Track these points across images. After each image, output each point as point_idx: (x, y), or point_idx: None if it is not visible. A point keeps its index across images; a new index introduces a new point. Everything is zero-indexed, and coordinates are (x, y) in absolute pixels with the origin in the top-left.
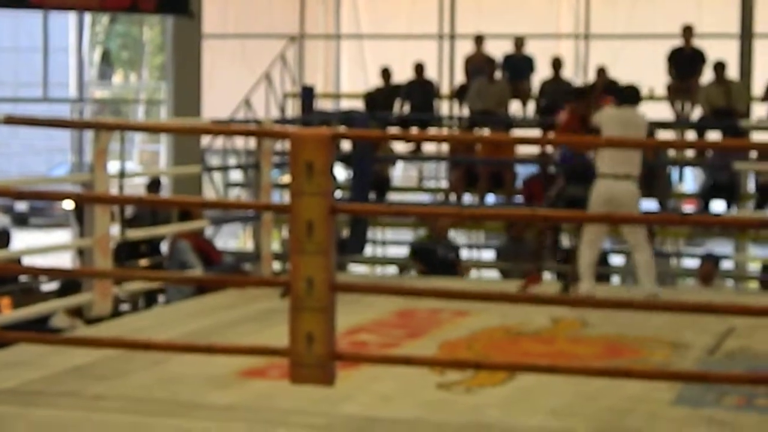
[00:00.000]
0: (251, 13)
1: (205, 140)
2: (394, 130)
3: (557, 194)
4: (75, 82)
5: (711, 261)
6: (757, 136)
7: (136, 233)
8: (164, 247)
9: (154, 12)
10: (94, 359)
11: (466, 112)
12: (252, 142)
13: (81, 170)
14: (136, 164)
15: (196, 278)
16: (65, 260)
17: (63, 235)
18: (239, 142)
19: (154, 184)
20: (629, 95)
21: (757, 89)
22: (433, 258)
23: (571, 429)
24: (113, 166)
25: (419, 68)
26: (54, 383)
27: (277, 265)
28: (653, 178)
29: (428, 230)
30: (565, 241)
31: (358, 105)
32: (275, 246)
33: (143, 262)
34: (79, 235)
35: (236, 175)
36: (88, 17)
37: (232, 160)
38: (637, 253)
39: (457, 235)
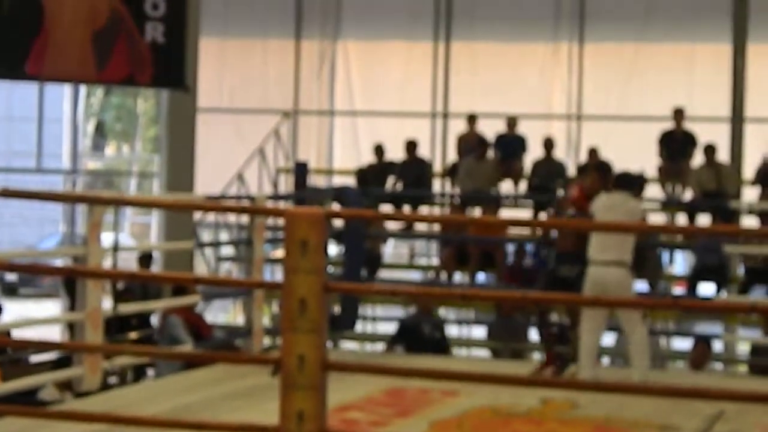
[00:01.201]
0: (246, 87)
1: (198, 214)
2: (386, 206)
3: (550, 273)
4: (68, 152)
5: (704, 343)
6: (748, 220)
7: (127, 307)
8: (154, 320)
9: (150, 85)
10: None
11: (458, 190)
12: (244, 218)
13: (73, 241)
14: (128, 236)
15: (186, 354)
16: (54, 332)
17: (52, 306)
18: (232, 217)
19: (145, 258)
20: (621, 181)
21: (747, 172)
22: (420, 336)
23: None
24: (105, 238)
25: (411, 146)
26: None
27: (267, 340)
28: (644, 260)
29: (417, 307)
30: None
31: (351, 181)
32: (266, 321)
33: (133, 335)
34: (69, 308)
35: (228, 250)
36: (83, 89)
37: (223, 235)
38: (633, 336)
39: (446, 312)
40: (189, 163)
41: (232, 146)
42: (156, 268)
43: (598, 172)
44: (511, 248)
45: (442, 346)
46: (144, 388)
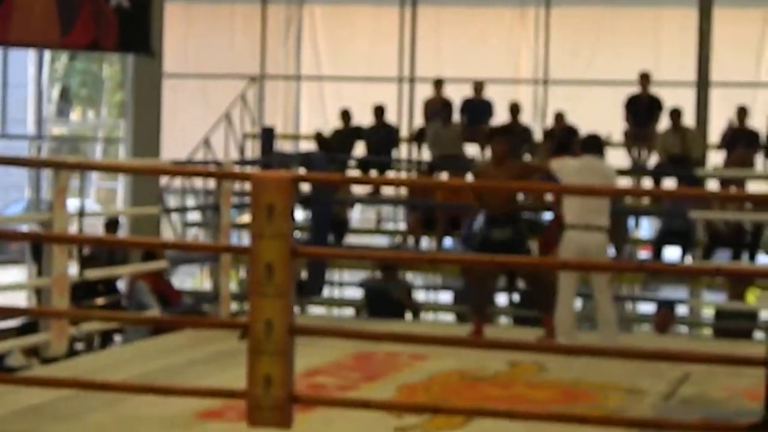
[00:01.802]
0: (212, 52)
1: (164, 180)
2: (353, 172)
3: (481, 236)
4: (33, 118)
5: (667, 308)
6: (713, 184)
7: (94, 273)
8: (121, 286)
9: (114, 50)
10: (50, 399)
11: (425, 155)
12: (211, 183)
13: (38, 207)
14: (94, 201)
15: (153, 319)
16: (20, 298)
17: (17, 272)
18: (198, 182)
19: (112, 224)
20: (589, 144)
21: (713, 137)
22: (384, 298)
23: None
24: (71, 204)
25: (379, 111)
26: (9, 422)
27: (234, 306)
28: (611, 224)
29: (381, 272)
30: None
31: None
32: (233, 286)
33: (100, 301)
34: (37, 274)
35: (195, 216)
36: (47, 54)
37: (190, 200)
38: (601, 300)
39: (414, 278)
40: (155, 128)
41: (198, 111)
42: (122, 233)
43: (504, 138)
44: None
45: (408, 309)
46: (111, 353)
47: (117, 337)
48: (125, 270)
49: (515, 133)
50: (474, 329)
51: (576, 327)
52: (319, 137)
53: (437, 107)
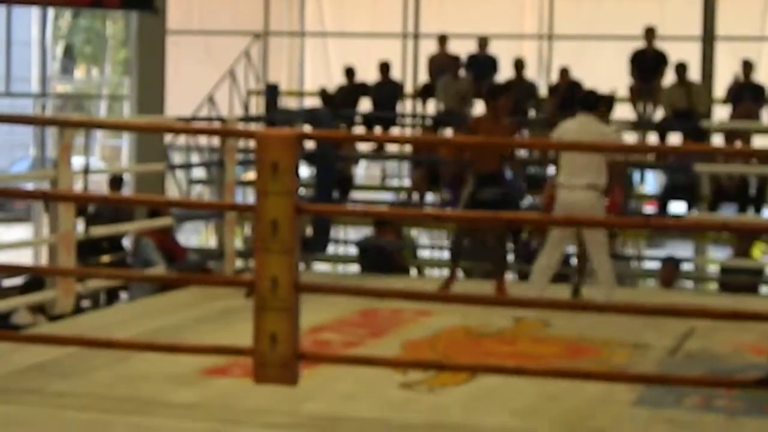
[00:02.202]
0: (215, 9)
1: (169, 137)
2: (358, 128)
3: (469, 196)
4: (37, 76)
5: (672, 264)
6: (718, 138)
7: (99, 230)
8: (126, 243)
9: (118, 8)
10: (56, 356)
11: (429, 110)
12: (216, 140)
13: (43, 165)
14: (98, 159)
15: (159, 276)
16: (26, 256)
17: (22, 230)
18: (203, 139)
19: (116, 181)
20: (585, 102)
21: (718, 91)
22: (377, 255)
23: (533, 429)
24: (76, 161)
25: (385, 67)
26: (16, 380)
27: (239, 263)
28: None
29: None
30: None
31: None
32: (238, 243)
33: (105, 258)
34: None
35: (199, 173)
36: (51, 11)
37: (195, 157)
38: (597, 258)
39: (418, 234)
40: (159, 85)
41: (202, 68)
42: (127, 191)
43: (508, 95)
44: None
45: (393, 263)
46: (117, 311)
47: (123, 295)
48: (130, 227)
49: (517, 89)
50: (496, 288)
51: (548, 280)
52: (323, 94)
53: (442, 63)
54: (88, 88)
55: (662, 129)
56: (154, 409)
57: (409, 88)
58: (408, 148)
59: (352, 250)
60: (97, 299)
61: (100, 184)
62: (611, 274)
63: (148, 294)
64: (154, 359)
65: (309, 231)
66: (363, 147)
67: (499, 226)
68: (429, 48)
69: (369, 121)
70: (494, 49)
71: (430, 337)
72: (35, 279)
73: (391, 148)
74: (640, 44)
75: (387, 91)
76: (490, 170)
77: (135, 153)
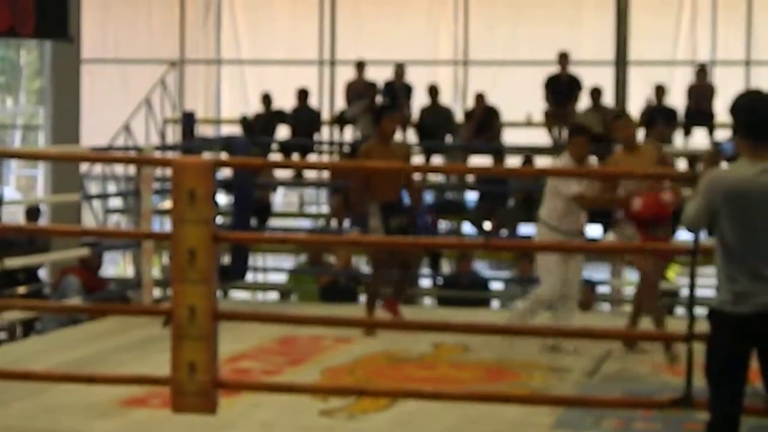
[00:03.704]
0: (131, 37)
1: (84, 166)
2: (275, 155)
3: (383, 225)
4: None
5: (588, 287)
6: None
7: (15, 262)
8: (42, 274)
9: (32, 36)
10: None
11: (347, 137)
12: (132, 169)
13: None
14: (14, 189)
15: (76, 307)
16: None
17: None
18: (119, 168)
19: (33, 212)
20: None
21: (631, 115)
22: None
23: None
24: None
25: (302, 94)
26: None
27: (157, 292)
28: (532, 203)
29: (308, 256)
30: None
31: (238, 130)
32: (156, 272)
33: (21, 290)
34: None
35: (116, 202)
36: None
37: (111, 187)
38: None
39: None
40: (74, 114)
41: (118, 97)
42: (43, 221)
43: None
44: None
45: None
46: (34, 342)
47: (39, 326)
48: (46, 258)
49: (433, 114)
50: (389, 311)
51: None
52: (244, 121)
53: (360, 89)
54: (2, 117)
55: None
56: None
57: (326, 115)
58: (326, 175)
59: (272, 278)
60: (13, 331)
61: (15, 215)
62: (530, 302)
63: (61, 326)
64: (73, 390)
65: (227, 259)
66: (281, 174)
67: (416, 252)
68: (345, 75)
69: (287, 148)
70: (410, 75)
71: (350, 363)
72: None
73: (309, 174)
74: (555, 69)
75: (304, 118)
76: (392, 198)
77: (51, 183)
